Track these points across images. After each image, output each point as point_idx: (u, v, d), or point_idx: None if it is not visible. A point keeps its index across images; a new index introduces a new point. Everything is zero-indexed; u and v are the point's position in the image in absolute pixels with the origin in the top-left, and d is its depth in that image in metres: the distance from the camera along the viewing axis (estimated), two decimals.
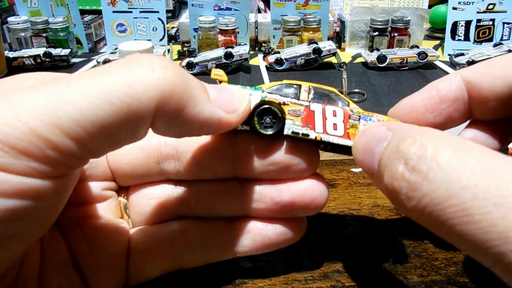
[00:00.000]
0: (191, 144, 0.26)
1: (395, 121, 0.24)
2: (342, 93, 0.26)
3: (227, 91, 0.22)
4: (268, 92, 0.24)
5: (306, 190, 0.25)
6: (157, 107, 0.19)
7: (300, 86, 0.25)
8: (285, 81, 0.25)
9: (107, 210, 0.26)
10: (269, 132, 0.24)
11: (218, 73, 0.24)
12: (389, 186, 0.19)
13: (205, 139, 0.26)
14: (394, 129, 0.20)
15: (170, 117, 0.19)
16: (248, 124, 0.24)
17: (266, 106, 0.24)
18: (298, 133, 0.24)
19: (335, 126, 0.24)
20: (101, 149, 0.19)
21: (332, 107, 0.24)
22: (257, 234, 0.26)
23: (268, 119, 0.24)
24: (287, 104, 0.24)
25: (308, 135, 0.24)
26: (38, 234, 0.20)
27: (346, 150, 0.25)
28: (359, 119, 0.24)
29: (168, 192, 0.27)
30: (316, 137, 0.24)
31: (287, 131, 0.24)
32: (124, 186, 0.27)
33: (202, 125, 0.21)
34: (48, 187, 0.18)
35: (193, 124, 0.20)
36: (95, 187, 0.26)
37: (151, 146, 0.26)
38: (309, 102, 0.24)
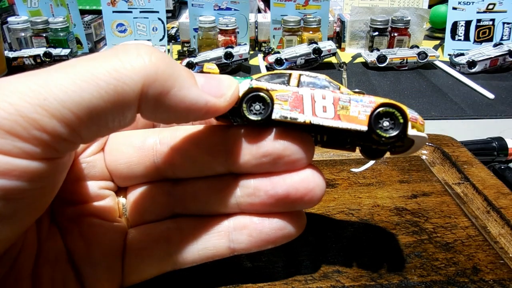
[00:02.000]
0: (185, 142, 0.26)
1: (387, 101, 0.23)
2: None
3: (215, 78, 0.23)
4: (256, 80, 0.24)
5: (301, 181, 0.24)
6: (142, 90, 0.19)
7: (290, 74, 0.25)
8: (276, 71, 0.25)
9: (105, 209, 0.26)
10: (258, 118, 0.24)
11: (210, 67, 0.24)
12: None
13: (198, 136, 0.26)
14: None
15: (156, 100, 0.20)
16: (240, 115, 0.24)
17: (254, 93, 0.24)
18: (286, 117, 0.23)
19: (324, 109, 0.23)
20: (89, 133, 0.19)
21: (321, 90, 0.24)
22: (254, 229, 0.26)
23: (257, 106, 0.24)
24: (276, 90, 0.24)
25: (296, 118, 0.23)
26: (28, 218, 0.20)
27: (340, 135, 0.25)
28: (350, 100, 0.23)
29: (164, 190, 0.27)
30: (305, 121, 0.23)
31: (275, 115, 0.23)
32: (123, 186, 0.27)
33: (189, 109, 0.21)
34: (36, 169, 0.18)
35: (179, 108, 0.21)
36: (93, 186, 0.26)
37: (147, 146, 0.26)
38: (298, 87, 0.24)
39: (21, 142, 0.17)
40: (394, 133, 0.23)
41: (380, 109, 0.23)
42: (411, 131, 0.23)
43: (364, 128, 0.23)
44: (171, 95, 0.20)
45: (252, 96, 0.24)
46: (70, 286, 0.24)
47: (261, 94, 0.24)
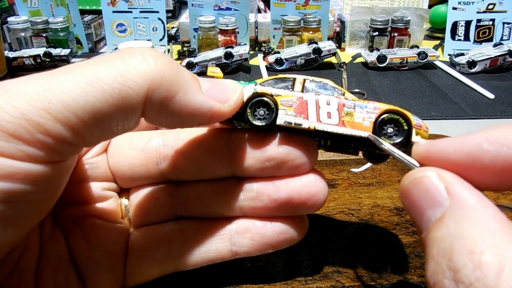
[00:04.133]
0: (189, 145, 0.26)
1: (392, 107, 0.23)
2: None
3: (220, 83, 0.23)
4: (261, 85, 0.24)
5: (304, 186, 0.25)
6: (147, 94, 0.19)
7: (294, 79, 0.25)
8: (280, 75, 0.25)
9: (107, 210, 0.26)
10: (262, 123, 0.24)
11: (214, 70, 0.24)
12: (430, 282, 0.16)
13: (201, 139, 0.26)
14: (453, 198, 0.17)
15: (160, 105, 0.20)
16: (244, 120, 0.24)
17: (258, 98, 0.24)
18: (291, 123, 0.23)
19: (329, 115, 0.23)
20: (93, 137, 0.19)
21: (326, 96, 0.24)
22: (256, 233, 0.26)
23: (262, 111, 0.24)
24: (280, 95, 0.24)
25: (301, 124, 0.23)
26: (31, 220, 0.20)
27: (344, 141, 0.25)
28: (354, 106, 0.24)
29: (167, 192, 0.27)
30: (309, 126, 0.23)
31: (279, 121, 0.23)
32: (126, 188, 0.27)
33: (193, 114, 0.21)
34: (40, 172, 0.18)
35: (184, 113, 0.21)
36: (96, 187, 0.26)
37: (150, 148, 0.26)
38: (303, 92, 0.24)
39: (25, 145, 0.17)
40: (398, 139, 0.23)
41: (385, 115, 0.23)
42: (415, 138, 0.23)
43: (368, 134, 0.23)
44: (176, 100, 0.20)
45: (257, 101, 0.24)
46: (72, 286, 0.24)
47: (266, 99, 0.24)
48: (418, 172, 0.19)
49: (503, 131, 0.17)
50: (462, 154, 0.18)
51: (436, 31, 1.04)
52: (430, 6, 1.00)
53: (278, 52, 0.84)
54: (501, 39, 0.89)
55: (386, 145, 0.22)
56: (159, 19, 0.92)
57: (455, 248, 0.15)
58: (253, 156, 0.25)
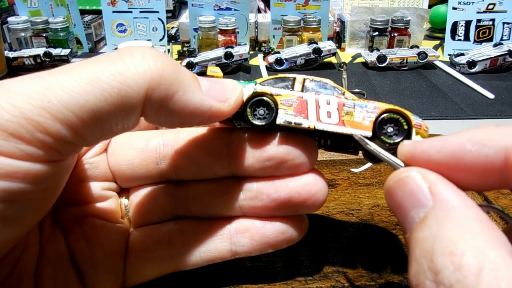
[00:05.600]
0: (188, 144, 0.26)
1: (392, 107, 0.24)
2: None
3: (219, 82, 0.23)
4: (261, 85, 0.24)
5: (304, 186, 0.25)
6: (147, 94, 0.19)
7: (294, 78, 0.25)
8: (280, 75, 0.25)
9: (107, 210, 0.26)
10: (262, 122, 0.24)
11: (213, 70, 0.24)
12: (413, 283, 0.16)
13: (201, 139, 0.26)
14: (436, 198, 0.17)
15: (160, 104, 0.20)
16: (244, 119, 0.24)
17: (258, 97, 0.24)
18: (291, 122, 0.23)
19: (329, 114, 0.23)
20: (93, 136, 0.19)
21: (326, 96, 0.24)
22: (256, 232, 0.26)
23: (262, 111, 0.24)
24: (280, 95, 0.24)
25: (301, 124, 0.23)
26: (31, 219, 0.20)
27: (344, 140, 0.25)
28: (354, 106, 0.24)
29: (167, 192, 0.27)
30: (309, 126, 0.23)
31: (279, 120, 0.23)
32: (126, 187, 0.27)
33: (193, 113, 0.21)
34: (40, 171, 0.18)
35: (184, 112, 0.21)
36: (96, 187, 0.26)
37: (150, 148, 0.26)
38: (302, 92, 0.24)
39: (25, 144, 0.17)
40: (398, 139, 0.23)
41: (385, 115, 0.23)
42: (415, 137, 0.23)
43: (369, 134, 0.23)
44: (175, 99, 0.20)
45: (256, 100, 0.24)
46: (72, 286, 0.24)
47: (265, 98, 0.24)
48: (402, 172, 0.19)
49: (485, 131, 0.17)
50: (445, 154, 0.18)
51: (436, 31, 1.04)
52: (430, 6, 1.00)
53: (278, 52, 0.84)
54: (501, 39, 0.89)
55: (372, 145, 0.22)
56: (159, 19, 0.92)
57: (436, 249, 0.15)
58: (253, 156, 0.25)
